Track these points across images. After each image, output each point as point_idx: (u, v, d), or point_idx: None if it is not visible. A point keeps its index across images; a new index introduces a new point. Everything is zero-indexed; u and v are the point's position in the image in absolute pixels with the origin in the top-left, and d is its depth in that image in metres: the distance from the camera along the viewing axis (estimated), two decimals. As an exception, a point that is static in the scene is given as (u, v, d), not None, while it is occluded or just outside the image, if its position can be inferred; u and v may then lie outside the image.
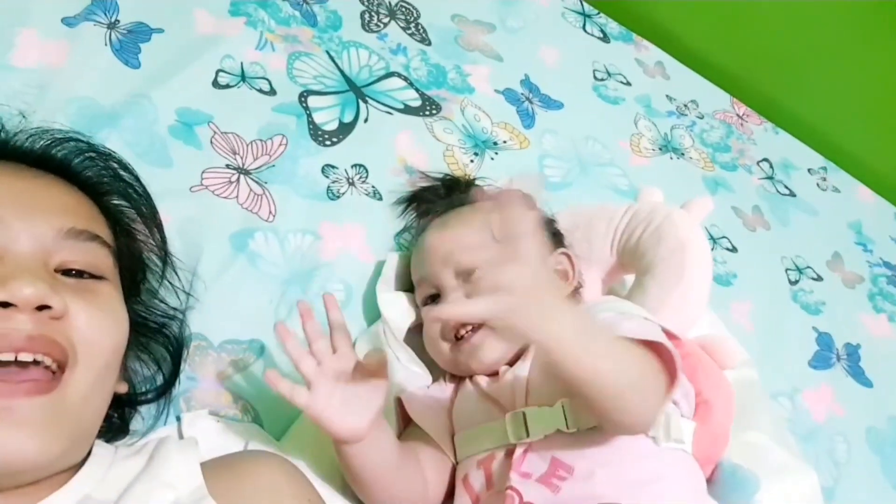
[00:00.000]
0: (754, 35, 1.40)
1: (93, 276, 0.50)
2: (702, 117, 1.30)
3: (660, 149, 1.18)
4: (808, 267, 1.13)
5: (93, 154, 0.59)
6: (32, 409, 0.42)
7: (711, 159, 1.22)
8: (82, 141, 0.59)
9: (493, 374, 0.66)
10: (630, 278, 0.79)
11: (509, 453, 0.58)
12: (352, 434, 0.56)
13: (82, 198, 0.54)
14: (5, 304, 0.43)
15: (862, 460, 0.91)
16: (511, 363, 0.66)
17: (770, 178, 1.26)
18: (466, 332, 0.66)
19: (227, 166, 0.81)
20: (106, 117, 0.78)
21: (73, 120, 0.74)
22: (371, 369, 0.56)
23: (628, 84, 1.26)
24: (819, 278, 1.12)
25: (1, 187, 0.49)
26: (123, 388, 0.56)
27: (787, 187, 1.26)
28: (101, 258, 0.51)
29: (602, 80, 1.23)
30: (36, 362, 0.44)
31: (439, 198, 0.83)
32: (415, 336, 0.75)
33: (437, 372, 0.73)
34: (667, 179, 1.11)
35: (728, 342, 0.71)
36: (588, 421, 0.57)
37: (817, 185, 1.31)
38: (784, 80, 1.43)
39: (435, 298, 0.71)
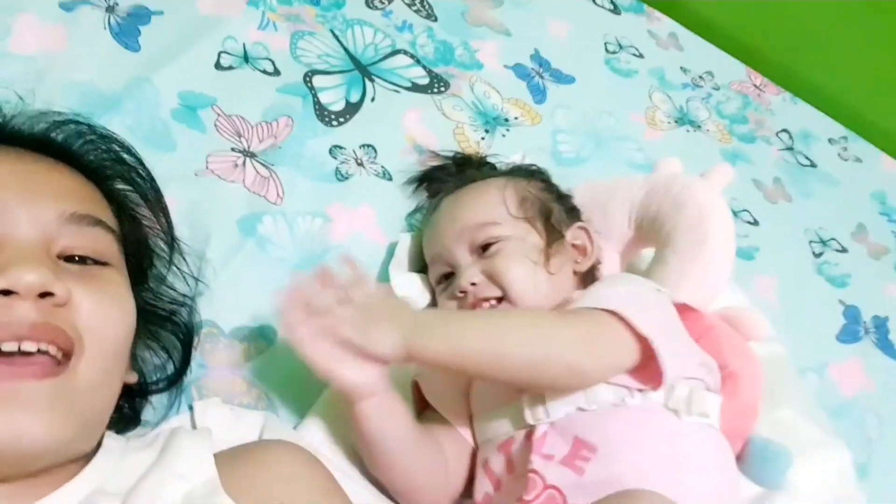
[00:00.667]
0: (769, 3, 1.36)
1: (97, 262, 0.48)
2: (718, 88, 1.26)
3: (676, 121, 1.15)
4: (833, 239, 1.09)
5: (94, 137, 0.58)
6: (39, 392, 0.41)
7: (729, 131, 1.19)
8: (83, 123, 0.58)
9: None
10: (649, 253, 0.76)
11: (529, 435, 0.56)
12: (363, 384, 0.54)
13: (84, 182, 0.52)
14: (7, 292, 0.42)
15: (895, 436, 0.88)
16: None
17: (790, 149, 1.23)
18: (483, 309, 0.64)
19: (233, 149, 0.79)
20: (107, 102, 0.76)
21: (74, 105, 0.71)
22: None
23: (641, 56, 1.23)
24: (844, 250, 1.09)
25: (1, 171, 0.48)
26: (133, 378, 0.55)
27: (807, 158, 1.22)
28: (105, 244, 0.49)
29: (614, 52, 1.20)
30: (41, 351, 0.42)
31: (451, 177, 0.81)
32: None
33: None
34: (684, 152, 1.06)
35: (753, 313, 0.68)
36: (607, 397, 0.55)
37: (838, 155, 1.27)
38: (801, 48, 1.39)
39: (449, 276, 0.69)
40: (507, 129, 0.99)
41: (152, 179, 0.60)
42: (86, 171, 0.54)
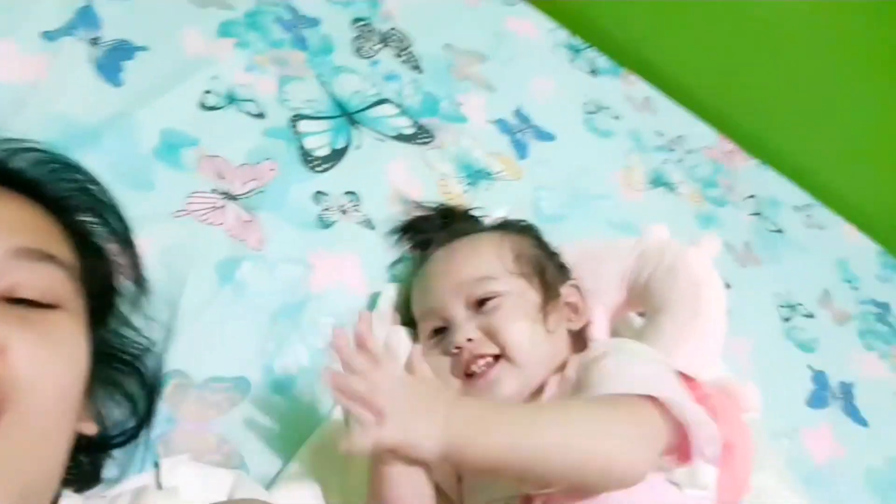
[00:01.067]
0: (740, 72, 1.41)
1: (44, 305, 0.44)
2: (690, 153, 1.30)
3: (651, 183, 1.17)
4: (800, 304, 1.12)
5: (56, 165, 0.54)
6: None
7: (701, 195, 1.22)
8: (45, 151, 0.54)
9: None
10: (634, 316, 0.77)
11: (525, 501, 0.54)
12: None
13: (41, 214, 0.49)
14: None
15: (863, 504, 0.88)
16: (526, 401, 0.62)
17: (758, 213, 1.26)
18: (479, 367, 0.63)
19: (214, 191, 0.77)
20: (86, 136, 0.74)
21: (52, 138, 0.68)
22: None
23: (618, 118, 1.26)
24: (810, 315, 1.11)
25: None
26: (92, 430, 0.50)
27: (774, 224, 1.26)
28: (56, 282, 0.45)
29: (592, 113, 1.23)
30: None
31: (435, 228, 0.80)
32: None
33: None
34: (660, 214, 1.09)
35: (745, 384, 0.69)
36: None
37: (803, 222, 1.31)
38: (769, 117, 1.44)
39: (441, 331, 0.67)
40: (491, 183, 0.99)
41: (120, 211, 0.56)
42: (45, 202, 0.50)
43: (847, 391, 1.03)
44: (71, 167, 0.54)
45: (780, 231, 1.25)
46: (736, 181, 1.30)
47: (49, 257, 0.45)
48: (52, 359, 0.42)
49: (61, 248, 0.48)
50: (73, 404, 0.45)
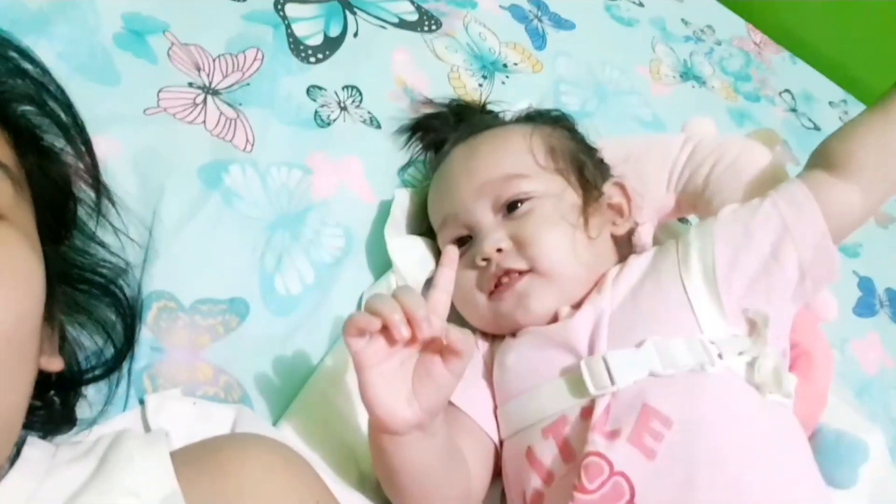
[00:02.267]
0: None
1: None
2: (719, 44, 1.18)
3: (681, 76, 1.05)
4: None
5: None
6: None
7: (734, 89, 1.10)
8: None
9: (552, 318, 0.54)
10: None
11: (586, 412, 0.46)
12: (402, 424, 0.43)
13: None
14: None
15: (917, 416, 0.82)
16: (576, 305, 0.53)
17: (794, 110, 1.15)
18: (509, 279, 0.54)
19: (191, 84, 0.65)
20: (33, 21, 0.61)
21: (-11, 23, 0.57)
22: (453, 349, 0.42)
23: (641, 5, 1.13)
24: (852, 218, 1.03)
25: None
26: (57, 366, 0.41)
27: (811, 120, 1.16)
28: None
29: (613, -1, 1.09)
30: None
31: (449, 127, 0.69)
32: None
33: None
34: (691, 110, 0.98)
35: (824, 292, 0.60)
36: (685, 360, 0.45)
37: (840, 118, 1.20)
38: (798, 5, 1.32)
39: (464, 241, 0.58)
40: (507, 76, 0.87)
41: (67, 99, 0.45)
42: None
43: (894, 298, 0.95)
44: (1, 43, 0.43)
45: (817, 128, 1.15)
46: (769, 75, 1.18)
47: None
48: None
49: None
50: (28, 335, 0.36)
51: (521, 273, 0.54)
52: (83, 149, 0.45)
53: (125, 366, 0.48)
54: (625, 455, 0.43)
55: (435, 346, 0.43)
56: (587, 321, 0.50)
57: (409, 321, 0.41)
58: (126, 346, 0.48)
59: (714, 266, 0.50)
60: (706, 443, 0.43)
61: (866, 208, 0.51)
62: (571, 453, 0.46)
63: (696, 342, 0.47)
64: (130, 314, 0.48)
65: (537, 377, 0.50)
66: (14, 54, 0.43)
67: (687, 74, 1.07)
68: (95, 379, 0.46)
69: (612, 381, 0.46)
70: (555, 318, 0.53)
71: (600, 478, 0.43)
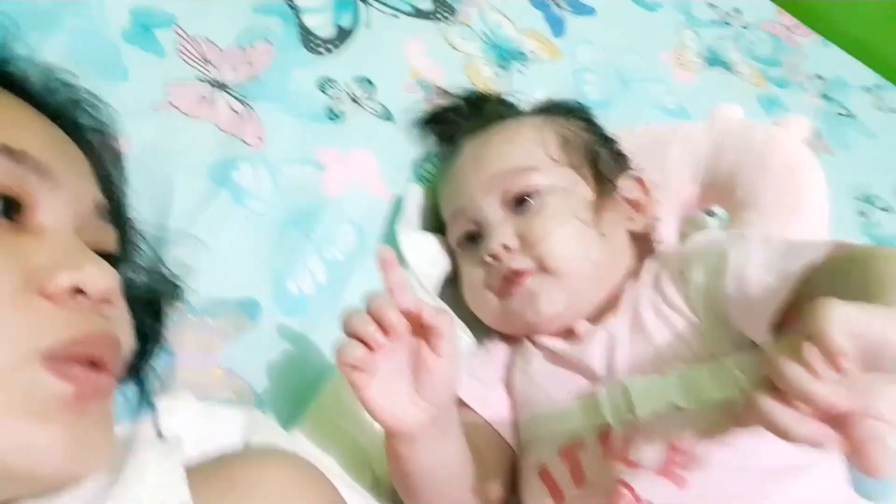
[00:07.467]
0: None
1: None
2: (747, 28, 1.13)
3: (706, 62, 1.02)
4: (877, 196, 0.99)
5: None
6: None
7: (763, 75, 1.07)
8: None
9: (569, 334, 0.51)
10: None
11: (603, 437, 0.44)
12: (413, 424, 0.42)
13: None
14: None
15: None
16: (594, 319, 0.51)
17: (825, 96, 1.11)
18: (519, 278, 0.52)
19: (199, 79, 0.64)
20: (41, 18, 0.60)
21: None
22: (430, 329, 0.41)
23: (664, -11, 1.09)
24: (887, 209, 0.99)
25: None
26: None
27: (844, 107, 1.11)
28: None
29: (636, -17, 1.06)
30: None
31: (464, 118, 0.67)
32: (449, 288, 0.60)
33: (479, 332, 0.58)
34: (718, 98, 0.94)
35: None
36: (711, 393, 0.43)
37: (874, 105, 1.16)
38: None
39: (473, 237, 0.56)
40: (524, 65, 0.85)
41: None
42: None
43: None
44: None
45: (850, 115, 1.10)
46: (799, 60, 1.14)
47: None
48: None
49: None
50: None
51: (528, 273, 0.52)
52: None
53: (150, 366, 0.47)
54: (652, 484, 0.41)
55: (421, 334, 0.41)
56: (603, 343, 0.48)
57: (380, 324, 0.40)
58: (152, 345, 0.47)
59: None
60: (736, 474, 0.40)
61: None
62: (582, 479, 0.44)
63: (723, 371, 0.44)
64: (156, 309, 0.47)
65: (556, 394, 0.48)
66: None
67: (713, 60, 1.03)
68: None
69: (633, 411, 0.44)
70: (570, 331, 0.51)
71: None
